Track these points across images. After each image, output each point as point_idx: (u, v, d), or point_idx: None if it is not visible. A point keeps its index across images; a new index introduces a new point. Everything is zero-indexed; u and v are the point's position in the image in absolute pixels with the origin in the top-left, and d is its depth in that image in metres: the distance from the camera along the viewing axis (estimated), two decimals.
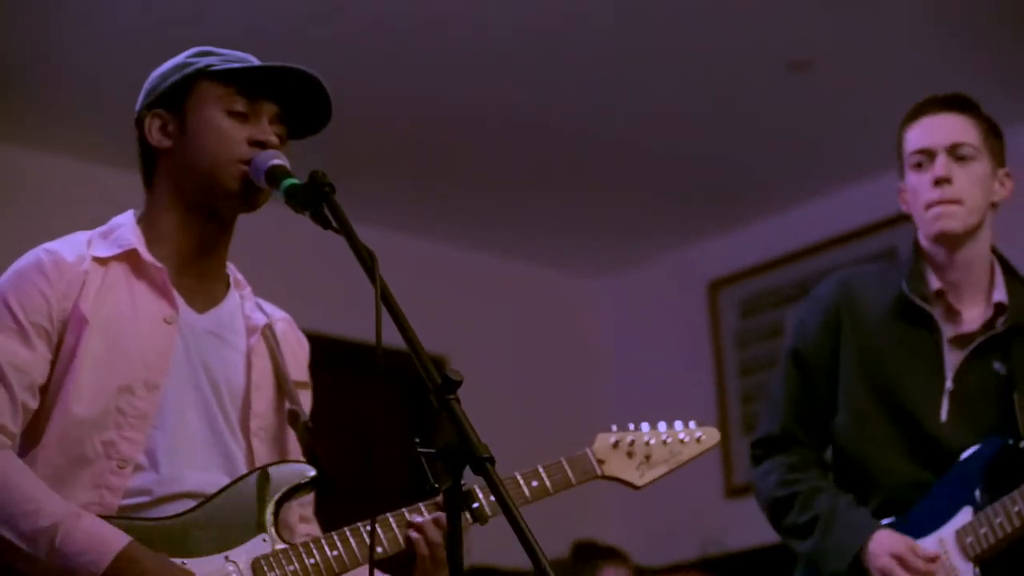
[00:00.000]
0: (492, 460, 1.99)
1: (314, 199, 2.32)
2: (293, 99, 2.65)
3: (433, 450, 2.03)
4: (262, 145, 2.57)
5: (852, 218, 6.39)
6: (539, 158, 6.08)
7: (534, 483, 2.71)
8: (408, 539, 2.56)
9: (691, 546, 6.53)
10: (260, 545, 2.51)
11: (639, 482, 2.87)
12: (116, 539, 2.37)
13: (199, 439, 2.56)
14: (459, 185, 6.30)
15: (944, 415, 3.31)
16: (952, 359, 3.33)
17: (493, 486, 1.98)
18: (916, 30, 5.29)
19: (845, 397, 3.40)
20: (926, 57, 5.42)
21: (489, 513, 2.40)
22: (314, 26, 4.99)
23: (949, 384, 3.32)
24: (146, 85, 2.70)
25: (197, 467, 2.54)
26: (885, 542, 3.23)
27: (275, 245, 5.46)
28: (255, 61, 2.68)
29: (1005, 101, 5.71)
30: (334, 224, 2.29)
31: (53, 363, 2.51)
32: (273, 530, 2.53)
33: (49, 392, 2.51)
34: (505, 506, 1.95)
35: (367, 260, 2.19)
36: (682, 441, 2.91)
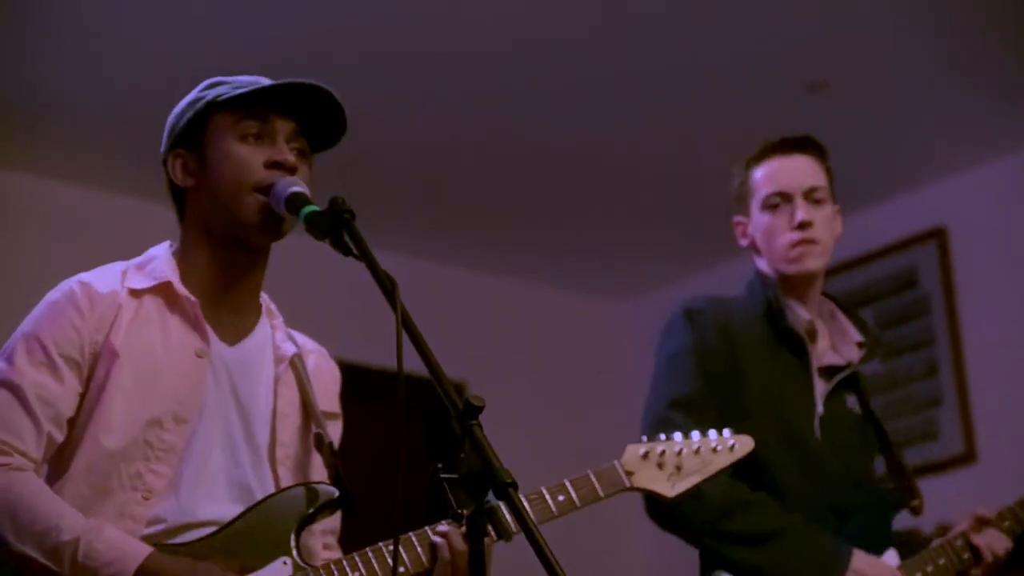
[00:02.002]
0: (515, 485, 1.99)
1: (334, 226, 2.32)
2: (308, 113, 2.64)
3: (456, 475, 2.02)
4: (279, 166, 2.57)
5: (871, 239, 6.38)
6: (562, 182, 6.08)
7: (560, 497, 2.68)
8: (432, 549, 2.53)
9: None
10: (280, 568, 2.51)
11: (670, 493, 2.82)
12: (138, 549, 2.39)
13: (221, 472, 2.56)
14: (480, 210, 6.30)
15: (818, 436, 3.41)
16: (820, 387, 3.45)
17: (516, 511, 1.97)
18: (933, 51, 5.28)
19: (752, 411, 3.37)
20: (942, 78, 5.41)
21: (514, 529, 2.38)
22: (334, 51, 5.00)
23: (820, 409, 3.43)
24: (167, 126, 2.71)
25: (214, 499, 2.54)
26: (872, 563, 3.29)
27: (294, 273, 5.47)
28: (268, 82, 2.67)
29: (1020, 120, 5.73)
30: (354, 251, 2.29)
31: (83, 395, 2.52)
32: (295, 552, 2.53)
33: (78, 424, 2.51)
34: (529, 532, 1.94)
35: (387, 286, 2.19)
36: (714, 450, 2.88)
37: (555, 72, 5.31)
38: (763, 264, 3.54)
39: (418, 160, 5.84)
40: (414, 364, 2.15)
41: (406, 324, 2.15)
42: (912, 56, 5.30)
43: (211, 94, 2.64)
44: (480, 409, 2.04)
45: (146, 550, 2.39)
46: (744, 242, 3.58)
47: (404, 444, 2.23)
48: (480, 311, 6.76)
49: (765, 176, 3.55)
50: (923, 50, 5.27)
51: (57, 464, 2.52)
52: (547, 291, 7.05)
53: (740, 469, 3.10)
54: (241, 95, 2.61)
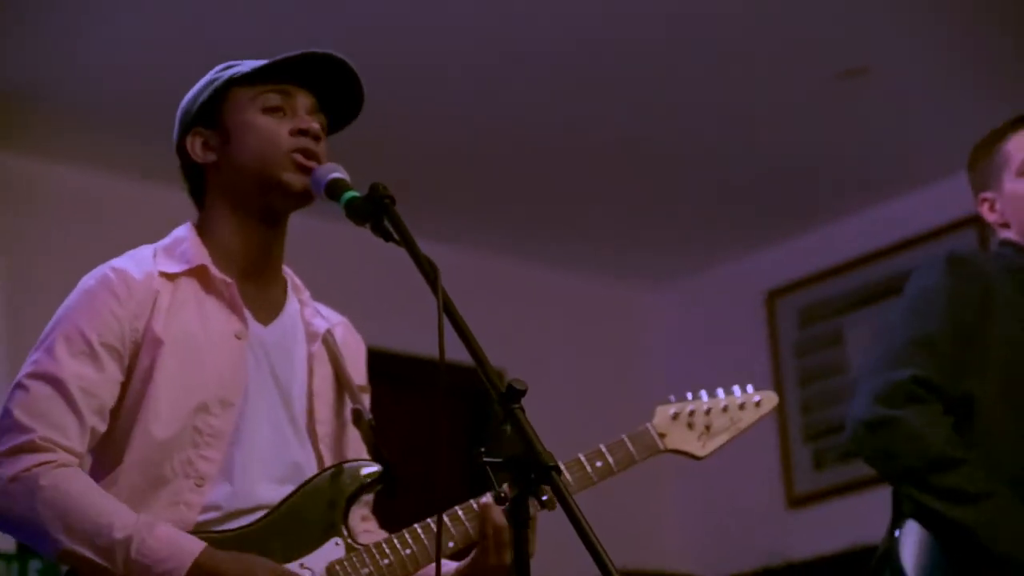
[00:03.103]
0: (558, 469, 1.99)
1: (374, 211, 2.31)
2: (327, 88, 2.65)
3: (499, 459, 2.02)
4: (304, 133, 2.57)
5: (909, 225, 6.35)
6: (594, 169, 6.07)
7: (598, 463, 2.68)
8: (480, 521, 2.52)
9: (753, 557, 6.50)
10: (333, 549, 2.51)
11: (701, 453, 2.83)
12: (192, 545, 2.38)
13: (271, 453, 2.56)
14: (513, 197, 6.30)
15: None
16: None
17: (560, 495, 1.96)
18: (971, 36, 5.25)
19: (991, 370, 3.25)
20: (981, 64, 5.38)
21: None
22: (370, 37, 4.99)
23: None
24: (179, 113, 2.70)
25: (269, 481, 2.54)
26: None
27: (332, 260, 5.48)
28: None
29: None
30: (395, 236, 2.28)
31: (125, 384, 2.51)
32: (345, 532, 2.53)
33: (125, 413, 2.50)
34: (573, 516, 1.94)
35: (429, 271, 2.18)
36: (741, 407, 2.88)
37: (593, 63, 5.30)
38: (1009, 235, 3.41)
39: (454, 148, 5.84)
40: (452, 352, 2.14)
41: (448, 310, 2.15)
42: (948, 40, 5.27)
43: (228, 73, 2.64)
44: (523, 393, 2.03)
45: (199, 545, 2.38)
46: (993, 218, 3.44)
47: (446, 425, 2.23)
48: (513, 298, 6.76)
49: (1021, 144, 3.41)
50: (959, 35, 5.23)
51: (109, 455, 2.51)
52: (581, 278, 7.04)
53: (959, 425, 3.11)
54: (260, 68, 2.62)
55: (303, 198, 2.59)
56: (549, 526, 2.49)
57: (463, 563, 2.59)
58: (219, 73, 2.66)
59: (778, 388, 6.69)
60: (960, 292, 3.28)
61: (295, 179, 2.56)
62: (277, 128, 2.58)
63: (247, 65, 2.64)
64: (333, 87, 2.65)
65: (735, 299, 6.97)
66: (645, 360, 7.11)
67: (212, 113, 2.63)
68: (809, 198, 6.41)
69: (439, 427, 2.01)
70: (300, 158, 2.56)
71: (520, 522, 2.02)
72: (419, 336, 4.75)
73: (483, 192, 6.25)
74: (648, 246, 6.83)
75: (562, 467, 2.54)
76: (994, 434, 3.23)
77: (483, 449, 2.09)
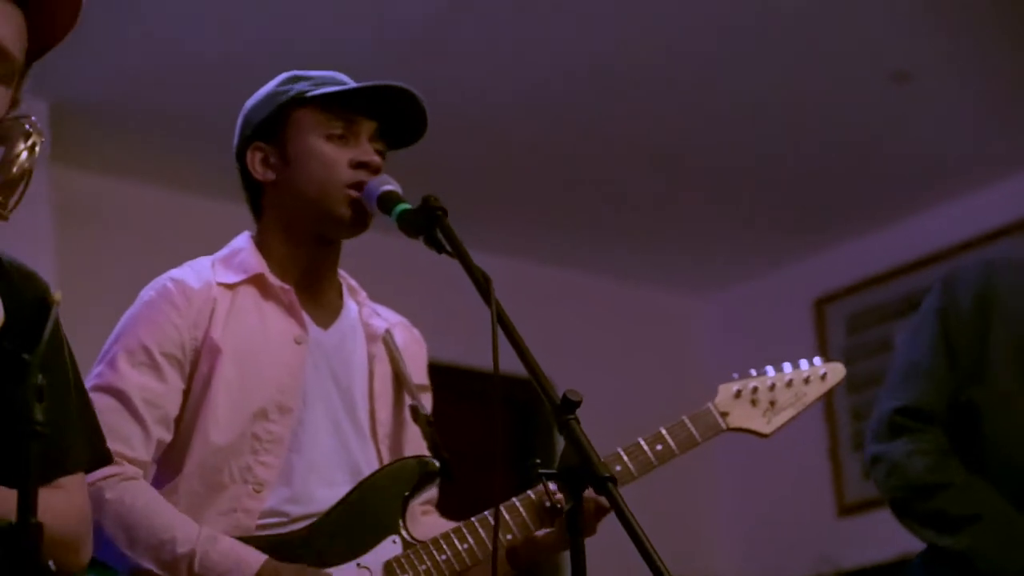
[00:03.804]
0: (614, 480, 1.98)
1: (427, 223, 2.32)
2: (390, 113, 2.65)
3: (554, 471, 2.02)
4: (365, 166, 2.58)
5: (958, 231, 6.32)
6: (641, 178, 6.07)
7: (658, 446, 2.64)
8: (538, 511, 2.50)
9: (803, 566, 6.47)
10: (390, 547, 2.51)
11: (766, 430, 2.78)
12: (253, 558, 2.40)
13: (332, 457, 2.57)
14: (561, 207, 6.30)
15: None
16: None
17: (616, 506, 1.96)
18: (1019, 40, 5.22)
19: (990, 373, 3.19)
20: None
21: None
22: (419, 51, 5.01)
23: None
24: (240, 118, 2.70)
25: (328, 485, 2.55)
26: None
27: (383, 272, 5.49)
28: (345, 79, 2.67)
29: None
30: (447, 248, 2.29)
31: (187, 393, 2.53)
32: (402, 529, 2.53)
33: (185, 422, 2.52)
34: (629, 526, 1.94)
35: (482, 282, 2.19)
36: (806, 380, 2.84)
37: (640, 72, 5.29)
38: None
39: (503, 159, 5.85)
40: (503, 363, 2.14)
41: (501, 320, 2.15)
42: (996, 44, 5.24)
43: (294, 89, 2.64)
44: (577, 404, 2.03)
45: (260, 558, 2.40)
46: None
47: (500, 441, 2.23)
48: (562, 308, 6.76)
49: None
50: (1007, 39, 5.20)
51: (170, 463, 2.53)
52: (630, 287, 7.03)
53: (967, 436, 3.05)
54: (329, 94, 2.62)
55: (356, 230, 2.61)
56: (600, 533, 2.48)
57: (522, 541, 2.55)
58: (285, 86, 2.66)
59: (827, 395, 6.65)
60: (950, 309, 3.23)
61: (350, 214, 2.58)
62: (338, 157, 2.59)
63: (311, 84, 2.64)
64: (396, 111, 2.66)
65: (784, 306, 6.95)
66: (694, 368, 7.09)
67: (274, 128, 2.64)
68: (857, 204, 6.39)
69: (495, 433, 2.02)
70: (356, 194, 2.57)
71: (576, 532, 2.01)
72: (466, 347, 4.76)
73: (532, 203, 6.25)
74: (696, 254, 6.82)
75: (619, 463, 2.54)
76: (1000, 435, 3.15)
77: (537, 461, 2.09)
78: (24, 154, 1.82)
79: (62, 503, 1.95)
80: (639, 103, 5.51)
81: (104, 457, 2.12)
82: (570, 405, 2.03)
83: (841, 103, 5.56)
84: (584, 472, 1.98)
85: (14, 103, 1.99)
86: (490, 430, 3.82)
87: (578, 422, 2.04)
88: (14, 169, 1.81)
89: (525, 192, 6.15)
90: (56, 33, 2.05)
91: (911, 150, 5.95)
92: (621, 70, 5.27)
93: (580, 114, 5.55)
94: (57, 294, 1.43)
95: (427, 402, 2.75)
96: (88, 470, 2.10)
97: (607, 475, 1.97)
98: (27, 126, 1.86)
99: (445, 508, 2.79)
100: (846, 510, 6.55)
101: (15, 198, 1.82)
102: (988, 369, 3.19)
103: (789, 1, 4.92)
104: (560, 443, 2.08)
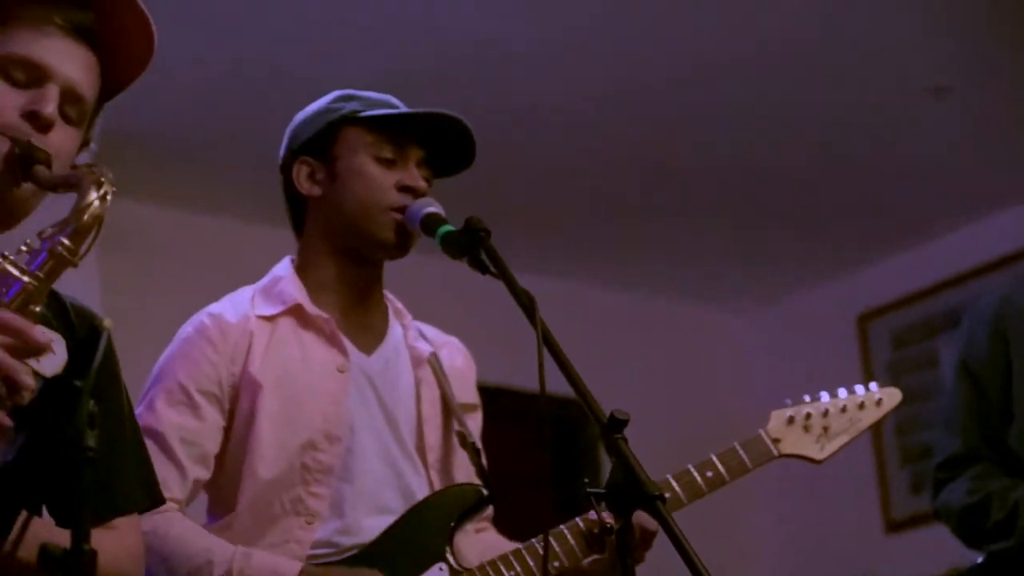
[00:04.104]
0: (663, 498, 1.97)
1: (471, 245, 2.33)
2: (439, 141, 2.66)
3: (603, 490, 2.01)
4: (411, 191, 2.59)
5: (1002, 245, 6.28)
6: (681, 195, 6.05)
7: (709, 473, 2.64)
8: (587, 538, 2.50)
9: None
10: (437, 575, 2.51)
11: (819, 456, 2.77)
12: (288, 567, 2.40)
13: (383, 484, 2.57)
14: (604, 226, 6.29)
15: None
16: None
17: (665, 524, 1.95)
18: None
19: (1019, 405, 3.25)
20: None
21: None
22: (462, 72, 5.01)
23: None
24: (289, 130, 2.71)
25: (379, 513, 2.55)
26: None
27: (426, 295, 5.49)
28: (397, 103, 2.68)
29: None
30: (492, 269, 2.29)
31: (227, 429, 2.53)
32: (450, 557, 2.53)
33: (232, 458, 2.53)
34: (679, 544, 1.93)
35: (527, 303, 2.19)
36: (861, 406, 2.82)
37: (677, 93, 5.28)
38: None
39: (544, 178, 5.84)
40: (536, 380, 2.13)
41: (546, 340, 2.15)
42: None
43: (347, 107, 2.65)
44: (625, 423, 2.02)
45: (296, 566, 2.40)
46: None
47: (544, 461, 2.22)
48: (603, 327, 6.75)
49: None
50: None
51: (222, 502, 2.54)
52: (671, 304, 7.02)
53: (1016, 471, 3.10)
54: (383, 116, 2.63)
55: (398, 252, 2.62)
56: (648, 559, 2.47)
57: (570, 570, 2.54)
58: (337, 104, 2.67)
59: None
60: (970, 358, 3.30)
61: (392, 236, 2.59)
62: (385, 180, 2.60)
63: (363, 105, 2.64)
64: (446, 140, 2.67)
65: (827, 321, 6.92)
66: (738, 385, 7.07)
67: (323, 144, 2.65)
68: (900, 219, 6.36)
69: (542, 454, 2.00)
70: (400, 216, 2.58)
71: (626, 551, 2.00)
72: (508, 368, 4.75)
73: (573, 222, 6.24)
74: (739, 270, 6.79)
75: (668, 489, 2.53)
76: None
77: (586, 480, 2.08)
78: (96, 203, 1.84)
79: (114, 545, 1.95)
80: (681, 122, 5.49)
81: (158, 499, 2.12)
82: (618, 424, 2.02)
83: (882, 118, 5.53)
84: (633, 491, 1.97)
85: (85, 143, 2.04)
86: (534, 451, 3.82)
87: (626, 441, 2.02)
88: (85, 217, 1.83)
89: (566, 212, 6.14)
90: (129, 73, 2.08)
91: (954, 164, 5.91)
92: (665, 89, 5.26)
93: (620, 133, 5.54)
94: (106, 321, 1.43)
95: (477, 420, 2.75)
96: (142, 511, 2.09)
97: (657, 494, 1.96)
98: (100, 176, 1.87)
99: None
100: (893, 526, 6.50)
101: (86, 246, 1.84)
102: (1015, 405, 3.23)
103: (832, 16, 4.91)
104: (604, 463, 2.07)
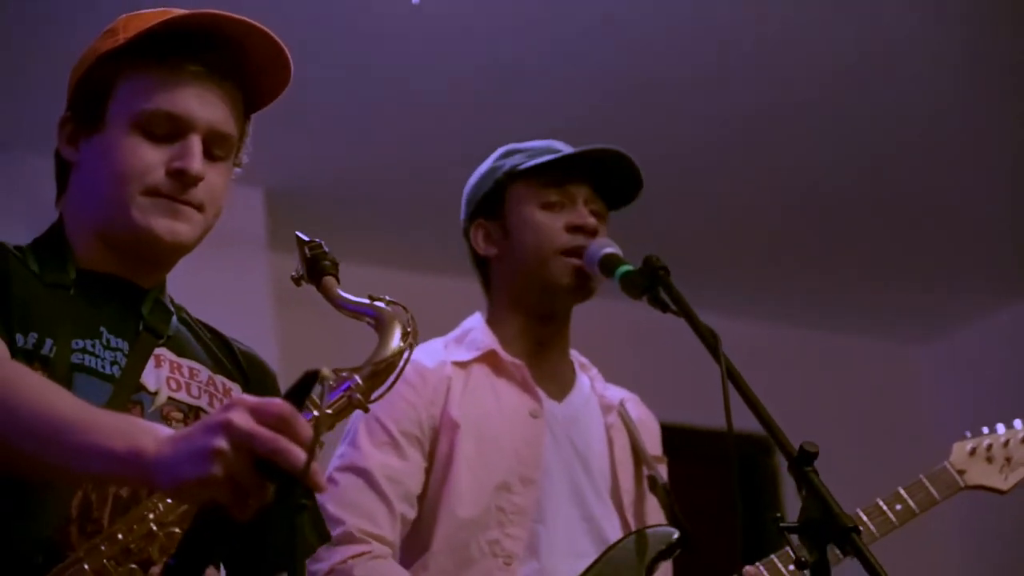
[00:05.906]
0: (858, 531, 1.96)
1: (650, 283, 2.34)
2: (604, 174, 2.68)
3: (796, 524, 2.00)
4: (580, 229, 2.61)
5: None
6: (857, 227, 5.98)
7: (898, 507, 2.67)
8: None
9: None
10: None
11: (1004, 486, 2.81)
12: None
13: (576, 526, 2.59)
14: (778, 263, 6.24)
15: None
16: None
17: (862, 557, 1.94)
18: None
19: None
20: None
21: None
22: (633, 113, 5.01)
23: None
24: (464, 196, 2.76)
25: (575, 556, 2.57)
26: None
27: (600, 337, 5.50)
28: (561, 146, 2.71)
29: None
30: (672, 307, 2.30)
31: (428, 470, 2.57)
32: None
33: (430, 499, 2.56)
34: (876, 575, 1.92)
35: (710, 340, 2.19)
36: None
37: (837, 121, 5.23)
38: None
39: (718, 216, 5.82)
40: (713, 418, 2.13)
41: (731, 375, 2.15)
42: None
43: (508, 163, 2.69)
44: (815, 455, 2.01)
45: None
46: None
47: (739, 495, 2.21)
48: (782, 364, 6.69)
49: None
50: None
51: (418, 542, 2.57)
52: (852, 340, 6.94)
53: None
54: (540, 164, 2.66)
55: (581, 296, 2.64)
56: None
57: None
58: (501, 161, 2.72)
59: None
60: None
61: (572, 281, 2.61)
62: (552, 224, 2.63)
63: (526, 156, 2.68)
64: (611, 173, 2.69)
65: (1009, 348, 6.79)
66: (921, 415, 6.96)
67: (494, 204, 2.70)
68: None
69: (732, 494, 2.01)
70: (578, 262, 2.60)
71: None
72: (685, 407, 4.75)
73: (749, 260, 6.20)
74: (916, 300, 6.69)
75: (860, 523, 2.51)
76: None
77: (778, 515, 2.07)
78: (399, 351, 1.84)
79: None
80: (851, 153, 5.42)
81: (324, 535, 2.13)
82: (808, 457, 2.01)
83: None
84: (828, 524, 1.96)
85: (236, 164, 2.06)
86: (717, 488, 3.81)
87: (816, 473, 2.02)
88: (385, 363, 1.83)
89: (741, 249, 6.10)
90: (271, 94, 2.08)
91: None
92: (827, 113, 5.21)
93: (794, 166, 5.49)
94: (325, 370, 1.46)
95: (663, 473, 2.76)
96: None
97: (852, 526, 1.95)
98: (408, 326, 1.90)
99: (678, 564, 2.78)
100: None
101: (380, 391, 1.84)
102: None
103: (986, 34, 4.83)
104: (786, 497, 2.07)
